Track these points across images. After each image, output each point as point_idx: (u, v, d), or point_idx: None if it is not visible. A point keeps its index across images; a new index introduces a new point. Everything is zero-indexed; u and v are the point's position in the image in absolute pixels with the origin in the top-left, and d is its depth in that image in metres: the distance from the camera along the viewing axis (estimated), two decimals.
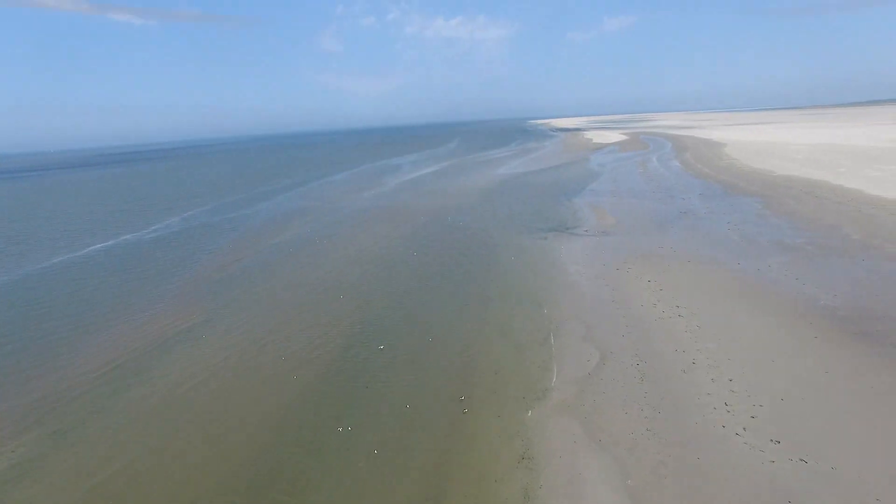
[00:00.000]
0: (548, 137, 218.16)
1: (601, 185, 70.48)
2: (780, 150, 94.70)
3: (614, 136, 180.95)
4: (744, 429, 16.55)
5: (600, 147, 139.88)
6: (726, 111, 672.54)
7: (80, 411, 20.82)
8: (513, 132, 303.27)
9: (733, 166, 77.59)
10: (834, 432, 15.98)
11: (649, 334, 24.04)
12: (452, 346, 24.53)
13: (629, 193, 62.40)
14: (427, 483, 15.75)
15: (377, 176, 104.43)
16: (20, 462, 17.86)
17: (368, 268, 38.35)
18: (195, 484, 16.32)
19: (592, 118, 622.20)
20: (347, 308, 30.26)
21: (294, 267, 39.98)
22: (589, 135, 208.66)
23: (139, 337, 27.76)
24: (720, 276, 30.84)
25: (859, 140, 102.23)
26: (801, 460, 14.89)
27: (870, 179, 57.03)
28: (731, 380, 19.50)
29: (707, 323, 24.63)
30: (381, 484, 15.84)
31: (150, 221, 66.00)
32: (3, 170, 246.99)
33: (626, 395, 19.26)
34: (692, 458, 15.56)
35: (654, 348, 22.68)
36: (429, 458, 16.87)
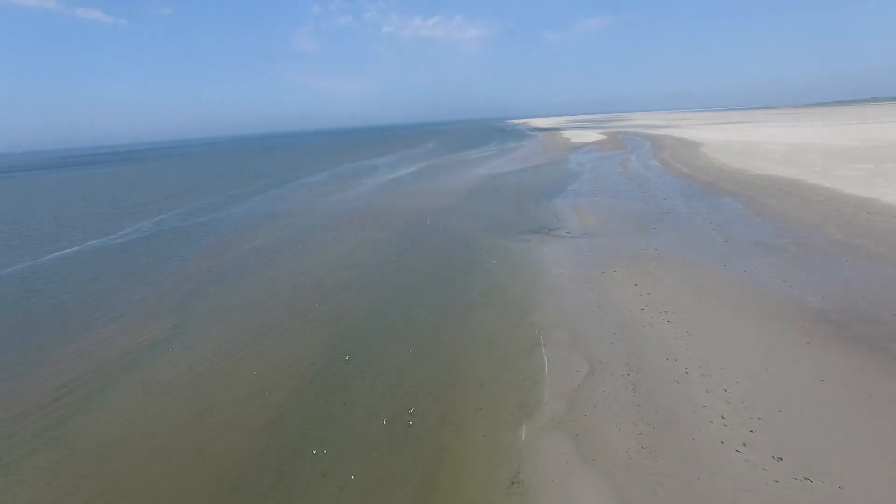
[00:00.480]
0: (526, 137, 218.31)
1: (582, 186, 69.99)
2: (756, 149, 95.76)
3: (592, 136, 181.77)
4: (743, 444, 15.70)
5: (579, 147, 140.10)
6: (700, 111, 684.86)
7: (15, 448, 18.65)
8: (491, 132, 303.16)
9: (711, 165, 77.94)
10: (838, 447, 15.22)
11: (638, 342, 23.18)
12: (435, 358, 23.31)
13: (610, 194, 61.97)
14: None
15: (355, 177, 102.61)
16: None
17: (346, 274, 36.89)
18: None
19: (569, 118, 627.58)
20: (324, 319, 28.82)
21: (268, 274, 38.30)
22: (567, 134, 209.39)
23: (97, 355, 25.82)
24: (707, 279, 30.24)
25: (830, 139, 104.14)
26: (807, 479, 14.07)
27: (844, 178, 57.57)
28: (726, 390, 18.69)
29: (697, 328, 23.89)
30: None
31: (119, 225, 63.28)
32: None
33: (619, 409, 18.30)
34: (692, 478, 14.64)
35: (644, 357, 21.81)
36: (410, 484, 15.64)
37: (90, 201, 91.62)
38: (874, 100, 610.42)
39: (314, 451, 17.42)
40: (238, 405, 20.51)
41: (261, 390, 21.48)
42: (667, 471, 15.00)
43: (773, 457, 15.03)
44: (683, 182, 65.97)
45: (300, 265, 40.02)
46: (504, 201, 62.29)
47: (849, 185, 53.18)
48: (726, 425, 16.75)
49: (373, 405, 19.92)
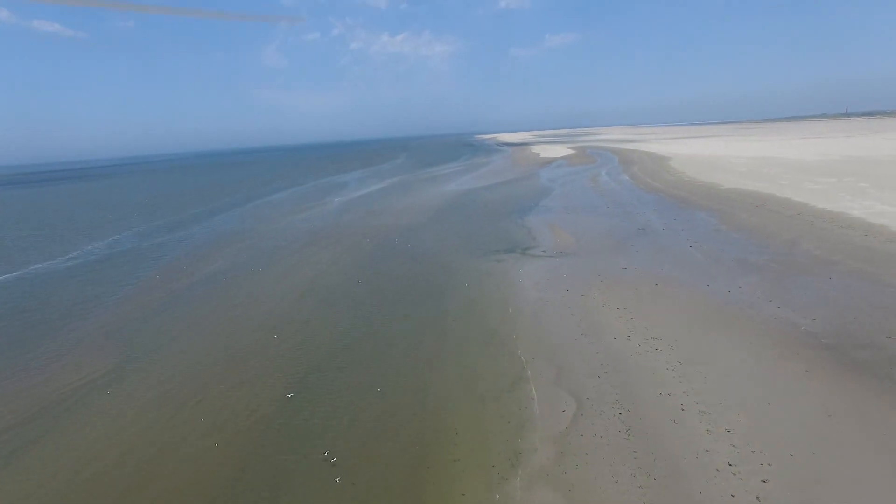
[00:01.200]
0: (495, 152, 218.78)
1: (554, 202, 69.01)
2: (723, 163, 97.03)
3: (561, 151, 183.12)
4: (758, 499, 13.96)
5: (549, 161, 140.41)
6: (664, 125, 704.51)
7: None
8: (460, 147, 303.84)
9: (681, 180, 78.21)
10: (866, 501, 13.61)
11: (628, 374, 21.46)
12: (407, 400, 21.02)
13: (583, 210, 61.02)
14: None
15: (321, 195, 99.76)
16: None
17: (310, 302, 34.30)
18: None
19: (538, 132, 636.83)
20: (285, 356, 26.13)
21: (225, 303, 35.38)
22: (536, 149, 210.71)
23: (24, 404, 22.62)
24: (691, 301, 28.90)
25: (791, 154, 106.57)
26: None
27: (812, 192, 57.99)
28: (728, 430, 17.03)
29: (688, 357, 22.32)
30: None
31: (68, 248, 59.06)
32: None
33: (614, 457, 16.41)
34: None
35: (635, 391, 20.07)
36: None
37: (41, 221, 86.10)
38: (824, 115, 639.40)
39: None
40: (186, 465, 17.78)
41: (212, 445, 18.79)
42: None
43: None
44: (656, 197, 65.66)
45: (261, 293, 37.23)
46: (476, 219, 60.65)
47: (817, 199, 53.43)
48: (735, 474, 15.02)
49: (338, 460, 17.51)
